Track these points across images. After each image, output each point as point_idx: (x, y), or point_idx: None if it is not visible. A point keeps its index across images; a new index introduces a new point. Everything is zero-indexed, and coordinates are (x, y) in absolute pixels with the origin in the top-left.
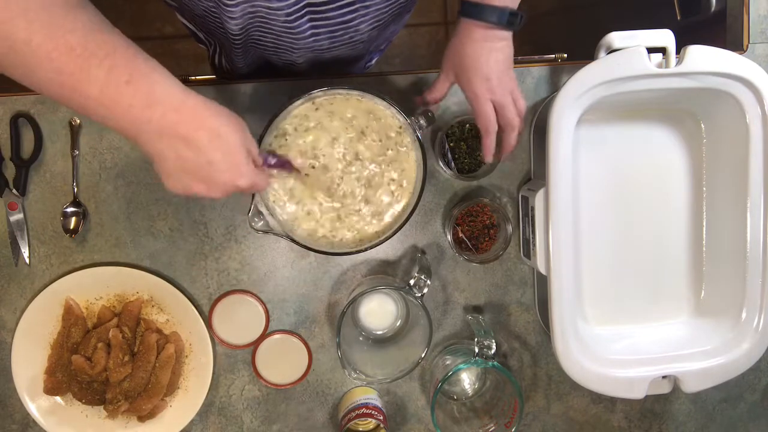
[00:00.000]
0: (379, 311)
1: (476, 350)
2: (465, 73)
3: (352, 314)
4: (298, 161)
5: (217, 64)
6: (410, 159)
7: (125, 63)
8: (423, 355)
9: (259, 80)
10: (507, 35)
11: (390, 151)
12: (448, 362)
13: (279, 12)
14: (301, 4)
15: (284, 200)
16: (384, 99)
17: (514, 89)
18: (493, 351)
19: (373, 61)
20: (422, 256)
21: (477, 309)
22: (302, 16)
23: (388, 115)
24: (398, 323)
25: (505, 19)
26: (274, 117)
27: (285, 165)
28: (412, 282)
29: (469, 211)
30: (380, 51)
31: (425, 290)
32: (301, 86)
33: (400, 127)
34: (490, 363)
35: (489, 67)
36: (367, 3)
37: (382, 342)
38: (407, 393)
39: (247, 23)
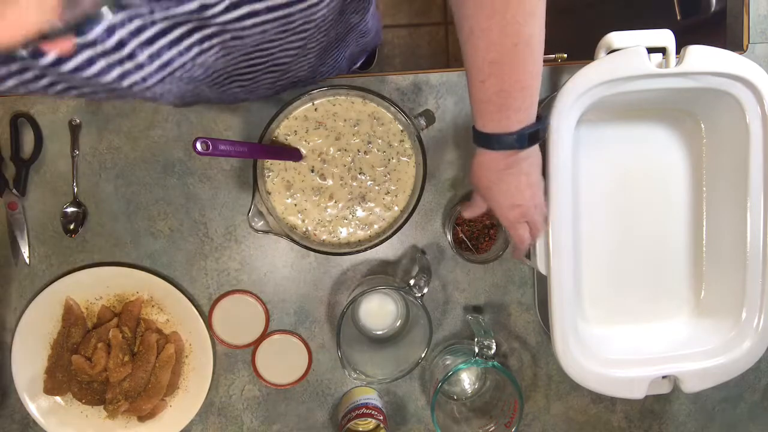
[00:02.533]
0: (379, 311)
1: (476, 350)
2: (494, 201)
3: (352, 314)
4: (303, 152)
5: None
6: (410, 166)
7: None
8: (423, 355)
9: None
10: (531, 151)
11: (392, 160)
12: (448, 362)
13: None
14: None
15: (280, 191)
16: (385, 99)
17: (541, 203)
18: (493, 351)
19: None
20: (422, 256)
21: (477, 309)
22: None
23: (391, 118)
24: (398, 323)
25: (525, 142)
26: (274, 117)
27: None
28: (412, 282)
29: None
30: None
31: (425, 290)
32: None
33: (402, 131)
34: (490, 363)
35: (519, 193)
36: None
37: (382, 342)
38: (407, 393)
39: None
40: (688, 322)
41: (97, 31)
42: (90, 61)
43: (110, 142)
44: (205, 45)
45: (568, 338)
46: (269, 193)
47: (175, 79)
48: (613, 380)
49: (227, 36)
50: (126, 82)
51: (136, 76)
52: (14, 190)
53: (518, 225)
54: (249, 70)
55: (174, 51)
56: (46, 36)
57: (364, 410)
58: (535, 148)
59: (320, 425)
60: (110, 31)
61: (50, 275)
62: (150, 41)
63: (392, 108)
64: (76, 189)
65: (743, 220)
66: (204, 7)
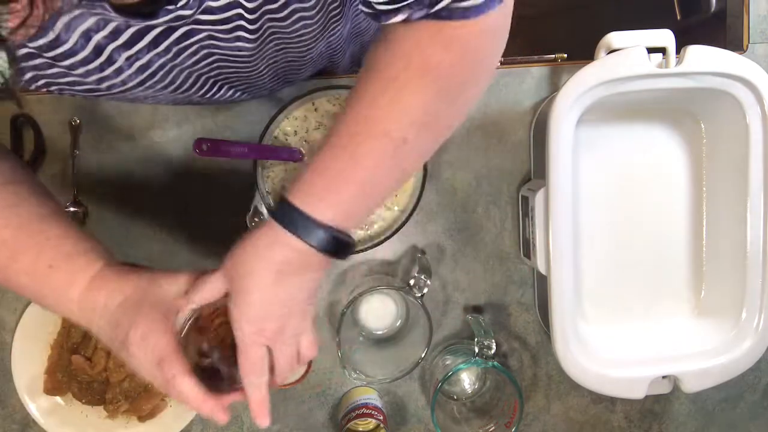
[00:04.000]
0: (379, 311)
1: (476, 350)
2: (236, 299)
3: (352, 314)
4: (303, 152)
5: None
6: None
7: (52, 249)
8: (423, 355)
9: None
10: (322, 263)
11: None
12: (448, 362)
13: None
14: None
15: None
16: None
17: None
18: (493, 351)
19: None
20: (422, 256)
21: (477, 309)
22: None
23: None
24: (398, 323)
25: (336, 245)
26: (274, 117)
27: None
28: (412, 282)
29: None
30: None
31: (425, 290)
32: (301, 86)
33: None
34: (490, 363)
35: (271, 304)
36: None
37: (382, 342)
38: (407, 393)
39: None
40: (688, 322)
41: (74, 38)
42: (71, 67)
43: (110, 142)
44: (183, 44)
45: (568, 338)
46: (269, 193)
47: (158, 83)
48: (613, 380)
49: (203, 35)
50: (104, 85)
51: (116, 80)
52: None
53: (253, 351)
54: (234, 70)
55: (152, 53)
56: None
57: (364, 410)
58: (322, 270)
59: (320, 425)
60: (87, 36)
61: None
62: (127, 44)
63: None
64: (76, 189)
65: (743, 220)
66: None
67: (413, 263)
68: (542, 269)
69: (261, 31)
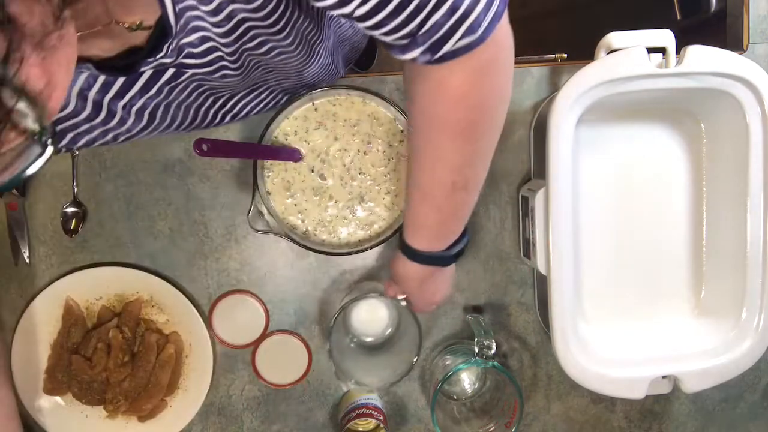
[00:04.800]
0: (370, 318)
1: (476, 350)
2: (413, 299)
3: (343, 321)
4: (303, 152)
5: None
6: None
7: None
8: (415, 360)
9: None
10: (449, 267)
11: (392, 160)
12: (448, 362)
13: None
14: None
15: (280, 191)
16: (385, 99)
17: (442, 300)
18: (493, 351)
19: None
20: None
21: (477, 309)
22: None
23: (391, 118)
24: (389, 330)
25: (452, 261)
26: (274, 117)
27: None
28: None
29: None
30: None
31: None
32: None
33: (402, 131)
34: (490, 363)
35: (437, 294)
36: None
37: (373, 349)
38: (407, 393)
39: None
40: (688, 322)
41: (72, 99)
42: (74, 140)
43: None
44: (172, 84)
45: (568, 338)
46: (269, 193)
47: (160, 124)
48: (613, 380)
49: (189, 73)
50: (110, 136)
51: (121, 129)
52: (14, 190)
53: (427, 309)
54: (228, 96)
55: (145, 97)
56: None
57: (364, 410)
58: (439, 270)
59: (320, 425)
60: (83, 96)
61: (50, 275)
62: (120, 94)
63: (392, 108)
64: (76, 189)
65: (743, 219)
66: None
67: None
68: (542, 269)
69: (244, 67)
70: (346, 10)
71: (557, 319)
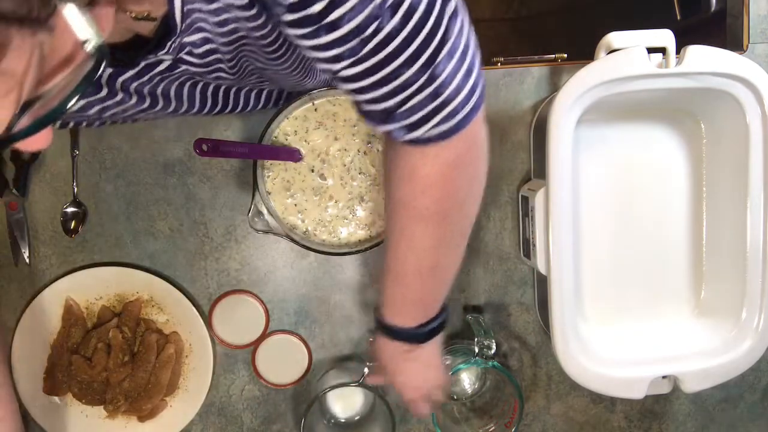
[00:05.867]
0: (345, 402)
1: (476, 350)
2: (396, 382)
3: (319, 405)
4: (303, 152)
5: None
6: None
7: None
8: None
9: None
10: (432, 340)
11: None
12: (447, 362)
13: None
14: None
15: (280, 191)
16: None
17: (442, 381)
18: (493, 351)
19: None
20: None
21: (477, 309)
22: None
23: None
24: (364, 413)
25: (429, 337)
26: (274, 117)
27: (285, 153)
28: (366, 371)
29: None
30: None
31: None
32: None
33: None
34: (490, 363)
35: (420, 378)
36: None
37: (349, 428)
38: None
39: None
40: (688, 322)
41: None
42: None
43: (110, 142)
44: (165, 74)
45: (568, 338)
46: (269, 193)
47: (151, 108)
48: (613, 380)
49: (183, 68)
50: (107, 114)
51: (116, 110)
52: (14, 190)
53: (417, 402)
54: (223, 88)
55: (136, 83)
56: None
57: None
58: (435, 338)
59: None
60: None
61: (50, 275)
62: (113, 75)
63: None
64: (76, 189)
65: (743, 219)
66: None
67: (370, 346)
68: (542, 269)
69: (240, 72)
70: (335, 67)
71: (557, 319)
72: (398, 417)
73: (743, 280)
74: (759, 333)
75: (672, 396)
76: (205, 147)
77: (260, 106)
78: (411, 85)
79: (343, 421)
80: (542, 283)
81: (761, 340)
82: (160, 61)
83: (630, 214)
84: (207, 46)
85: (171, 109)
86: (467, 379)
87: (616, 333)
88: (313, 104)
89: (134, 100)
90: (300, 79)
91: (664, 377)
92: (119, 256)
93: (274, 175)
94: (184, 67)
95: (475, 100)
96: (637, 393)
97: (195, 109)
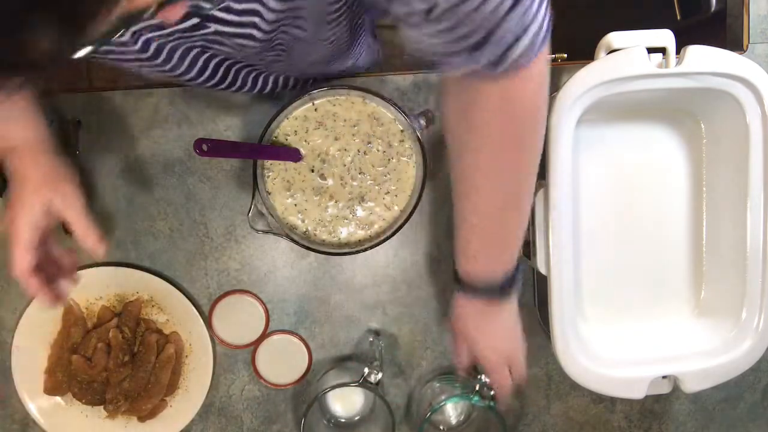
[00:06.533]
0: (344, 402)
1: (476, 387)
2: (475, 346)
3: (319, 405)
4: (303, 152)
5: None
6: (410, 166)
7: None
8: None
9: None
10: (511, 297)
11: (392, 160)
12: (437, 391)
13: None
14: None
15: (280, 191)
16: (385, 99)
17: (521, 346)
18: (493, 392)
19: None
20: (376, 338)
21: None
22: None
23: (391, 118)
24: (364, 412)
25: (506, 290)
26: (274, 117)
27: (285, 154)
28: (366, 371)
29: None
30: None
31: (379, 376)
32: (300, 86)
33: (402, 131)
34: (488, 403)
35: (500, 338)
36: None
37: (349, 428)
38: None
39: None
40: (688, 322)
41: None
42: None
43: (110, 141)
44: (185, 36)
45: (568, 338)
46: (269, 193)
47: (151, 60)
48: (613, 380)
49: (211, 28)
50: (102, 48)
51: (114, 47)
52: None
53: (500, 368)
54: (242, 65)
55: (156, 33)
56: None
57: None
58: (515, 297)
59: None
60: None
61: None
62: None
63: (392, 108)
64: None
65: (743, 220)
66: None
67: (372, 345)
68: (542, 269)
69: (269, 40)
70: (424, 5)
71: (557, 319)
72: (398, 417)
73: (743, 280)
74: (759, 333)
75: (672, 396)
76: (205, 147)
77: (256, 90)
78: (500, 9)
79: (343, 421)
80: (542, 283)
81: (761, 340)
82: (189, 16)
83: (630, 214)
84: (251, 5)
85: (167, 67)
86: (453, 411)
87: (616, 333)
88: (313, 104)
89: (140, 48)
90: (331, 55)
91: (664, 377)
92: (119, 256)
93: (274, 175)
94: (211, 27)
95: (546, 27)
96: (637, 393)
97: (190, 75)
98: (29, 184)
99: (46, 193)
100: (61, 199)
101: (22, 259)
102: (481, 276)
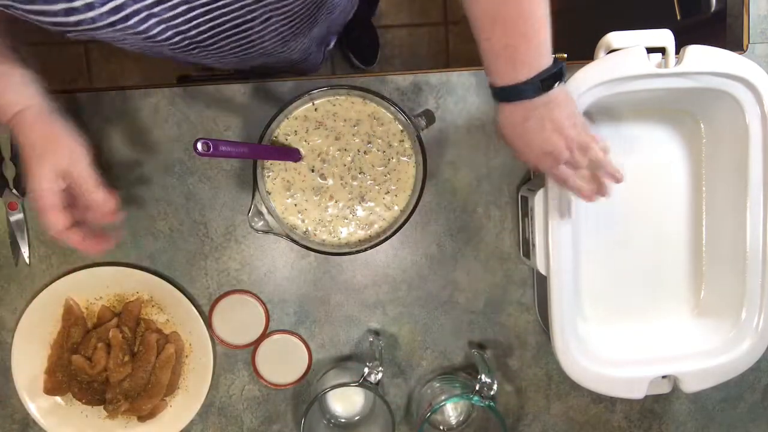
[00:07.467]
0: (345, 402)
1: (476, 387)
2: (524, 155)
3: (319, 405)
4: (303, 152)
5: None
6: (410, 166)
7: None
8: None
9: (257, 81)
10: (551, 95)
11: (392, 160)
12: (437, 391)
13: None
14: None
15: (280, 191)
16: (385, 99)
17: (580, 140)
18: (493, 392)
19: (330, 46)
20: (376, 338)
21: (481, 346)
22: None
23: (391, 118)
24: (364, 412)
25: (539, 89)
26: (274, 117)
27: (285, 153)
28: (366, 371)
29: None
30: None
31: (379, 376)
32: (301, 86)
33: (402, 131)
34: (488, 403)
35: (546, 141)
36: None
37: (347, 428)
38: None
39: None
40: (688, 322)
41: None
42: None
43: (110, 141)
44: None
45: (568, 338)
46: (269, 193)
47: (129, 29)
48: (613, 380)
49: None
50: (73, 19)
51: (85, 15)
52: (14, 190)
53: (555, 170)
54: (206, 37)
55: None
56: None
57: None
58: (557, 90)
59: None
60: None
61: (50, 275)
62: None
63: (392, 108)
64: None
65: (743, 219)
66: None
67: (370, 346)
68: (542, 269)
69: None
70: None
71: (557, 319)
72: (398, 417)
73: (743, 280)
74: (759, 333)
75: (672, 396)
76: (205, 147)
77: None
78: None
79: (343, 421)
80: (542, 283)
81: (761, 340)
82: None
83: (630, 214)
84: None
85: (148, 35)
86: (453, 411)
87: (616, 333)
88: (313, 104)
89: (105, 9)
90: (291, 32)
91: (664, 377)
92: (119, 256)
93: (274, 175)
94: None
95: None
96: (637, 393)
97: (170, 45)
98: (34, 151)
99: (50, 157)
100: (67, 158)
101: (55, 221)
102: (508, 77)
